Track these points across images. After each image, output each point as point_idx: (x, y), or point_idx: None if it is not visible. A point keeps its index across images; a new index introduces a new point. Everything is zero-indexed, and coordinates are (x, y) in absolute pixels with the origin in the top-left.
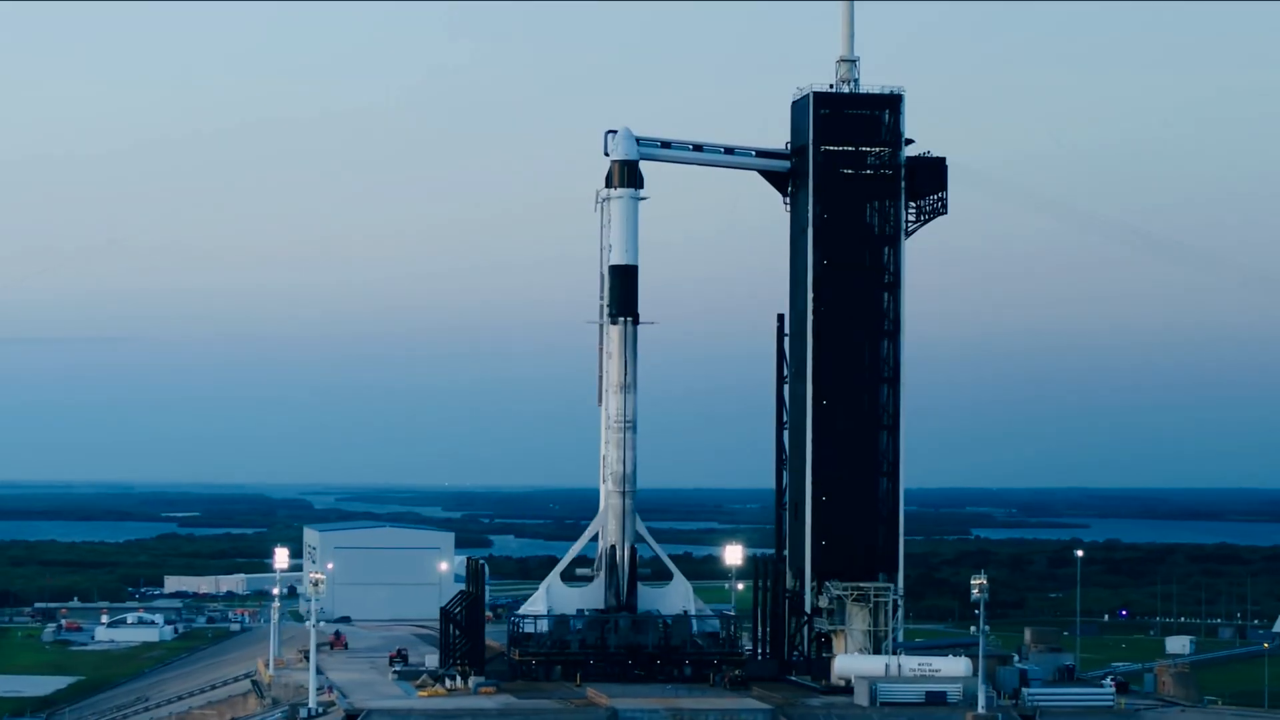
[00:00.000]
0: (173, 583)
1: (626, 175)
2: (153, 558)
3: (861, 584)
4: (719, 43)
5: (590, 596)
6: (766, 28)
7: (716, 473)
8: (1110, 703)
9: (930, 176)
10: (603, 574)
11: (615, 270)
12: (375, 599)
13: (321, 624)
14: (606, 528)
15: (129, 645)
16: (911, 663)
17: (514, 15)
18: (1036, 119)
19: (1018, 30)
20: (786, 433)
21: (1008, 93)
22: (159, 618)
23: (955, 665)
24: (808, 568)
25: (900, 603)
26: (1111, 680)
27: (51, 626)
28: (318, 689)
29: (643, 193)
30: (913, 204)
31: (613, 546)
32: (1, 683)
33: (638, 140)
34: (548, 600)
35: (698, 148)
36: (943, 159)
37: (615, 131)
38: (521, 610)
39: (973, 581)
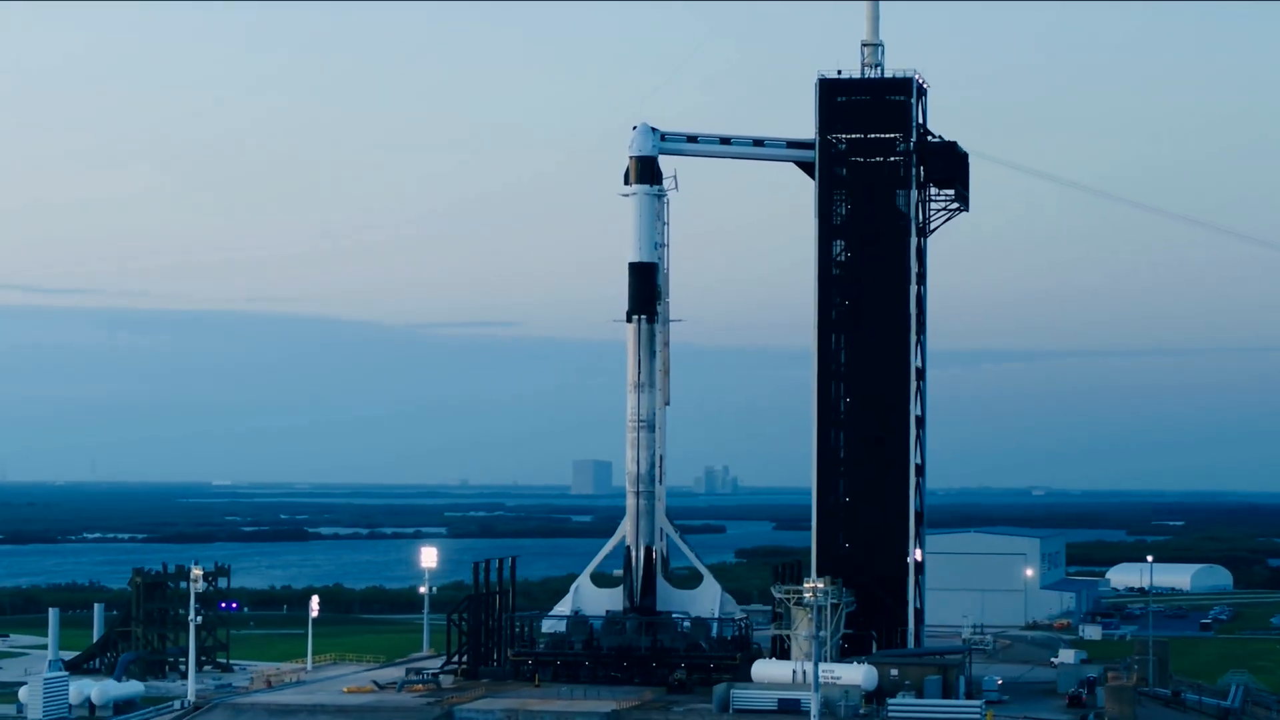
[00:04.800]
0: None
1: (643, 171)
2: None
3: (799, 587)
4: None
5: (616, 598)
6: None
7: None
8: (977, 716)
9: (945, 163)
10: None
11: (632, 268)
12: (963, 605)
13: None
14: (628, 529)
15: None
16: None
17: None
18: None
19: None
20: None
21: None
22: None
23: (854, 673)
24: (813, 569)
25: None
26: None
27: None
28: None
29: (663, 188)
30: (937, 193)
31: (628, 548)
32: None
33: (663, 136)
34: (575, 602)
35: (725, 140)
36: (954, 143)
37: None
38: (553, 611)
39: (806, 584)
